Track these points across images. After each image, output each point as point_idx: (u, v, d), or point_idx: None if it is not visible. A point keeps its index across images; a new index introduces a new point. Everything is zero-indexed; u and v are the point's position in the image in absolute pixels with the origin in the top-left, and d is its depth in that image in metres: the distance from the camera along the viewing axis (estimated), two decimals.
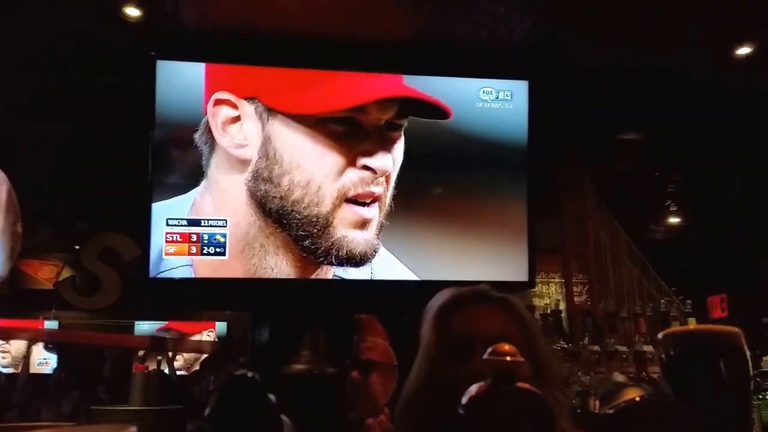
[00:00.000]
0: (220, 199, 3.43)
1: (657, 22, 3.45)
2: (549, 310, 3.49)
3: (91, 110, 3.92)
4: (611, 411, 1.06)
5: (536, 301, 4.08)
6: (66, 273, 4.05)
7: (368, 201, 3.37)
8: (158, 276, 3.40)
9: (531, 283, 3.76)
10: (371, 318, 1.43)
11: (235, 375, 1.01)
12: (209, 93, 3.43)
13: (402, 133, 3.51)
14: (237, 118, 3.37)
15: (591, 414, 1.16)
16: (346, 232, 3.35)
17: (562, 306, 3.83)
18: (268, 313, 3.80)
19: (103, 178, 3.92)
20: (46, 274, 4.13)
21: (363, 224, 3.38)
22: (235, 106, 3.38)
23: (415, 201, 3.58)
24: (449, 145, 3.68)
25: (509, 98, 3.79)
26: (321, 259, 3.37)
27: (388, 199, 3.46)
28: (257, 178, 3.35)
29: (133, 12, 3.41)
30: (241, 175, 3.37)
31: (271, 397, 1.04)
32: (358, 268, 3.43)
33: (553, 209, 3.98)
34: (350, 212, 3.35)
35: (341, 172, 3.35)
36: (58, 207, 3.96)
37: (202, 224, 3.48)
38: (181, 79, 3.53)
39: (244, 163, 3.36)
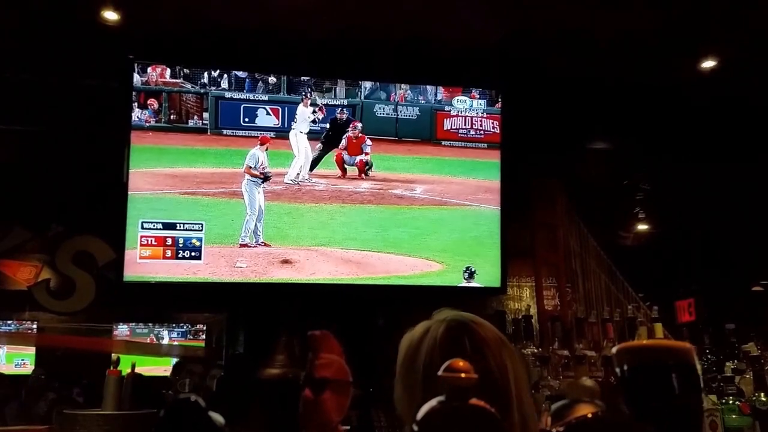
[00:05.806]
0: None
1: (627, 35, 3.52)
2: (521, 315, 3.55)
3: (67, 111, 3.90)
4: (561, 428, 1.09)
5: (509, 305, 4.12)
6: (45, 275, 4.02)
7: None
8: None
9: (503, 288, 3.81)
10: (326, 334, 1.36)
11: (178, 399, 1.01)
12: None
13: None
14: None
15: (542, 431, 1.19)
16: None
17: (533, 311, 3.88)
18: (245, 316, 3.81)
19: (82, 180, 3.91)
20: (24, 275, 4.09)
21: None
22: None
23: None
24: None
25: (483, 107, 3.85)
26: None
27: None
28: None
29: (111, 15, 3.40)
30: None
31: (218, 418, 1.04)
32: None
33: (525, 216, 4.02)
34: None
35: None
36: (34, 208, 3.94)
37: (178, 228, 3.49)
38: None
39: None
